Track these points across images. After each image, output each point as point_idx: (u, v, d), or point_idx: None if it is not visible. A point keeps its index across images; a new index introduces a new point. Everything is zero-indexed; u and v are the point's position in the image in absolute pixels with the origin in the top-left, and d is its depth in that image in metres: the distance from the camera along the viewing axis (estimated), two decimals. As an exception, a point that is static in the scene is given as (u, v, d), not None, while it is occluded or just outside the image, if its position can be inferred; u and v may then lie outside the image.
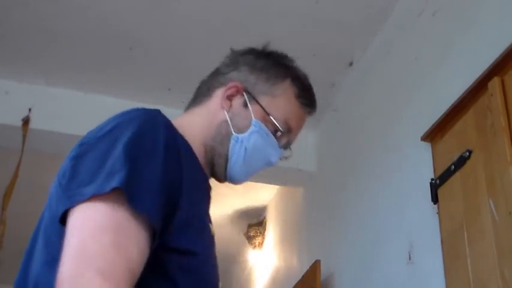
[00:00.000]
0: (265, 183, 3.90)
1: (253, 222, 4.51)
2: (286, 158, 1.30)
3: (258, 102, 1.20)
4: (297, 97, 1.25)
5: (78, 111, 3.28)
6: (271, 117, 1.20)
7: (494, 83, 1.85)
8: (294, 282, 3.27)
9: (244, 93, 1.21)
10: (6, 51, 3.12)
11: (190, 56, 3.09)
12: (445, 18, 2.36)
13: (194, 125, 1.19)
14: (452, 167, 2.00)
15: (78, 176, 0.93)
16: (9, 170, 3.06)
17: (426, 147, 2.23)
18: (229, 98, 1.21)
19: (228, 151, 1.18)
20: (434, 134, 2.18)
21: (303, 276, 3.13)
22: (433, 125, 2.17)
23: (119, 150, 0.92)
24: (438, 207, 2.08)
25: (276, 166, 1.29)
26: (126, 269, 0.85)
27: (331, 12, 2.83)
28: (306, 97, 1.28)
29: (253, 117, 1.19)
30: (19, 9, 2.87)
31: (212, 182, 1.21)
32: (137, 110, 1.03)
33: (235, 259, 4.90)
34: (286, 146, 1.27)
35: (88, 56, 3.13)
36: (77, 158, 0.96)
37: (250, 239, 4.48)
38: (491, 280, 1.71)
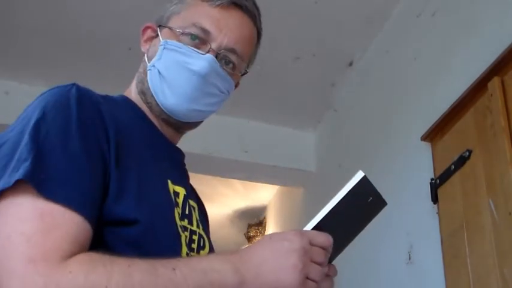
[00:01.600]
0: (265, 183, 3.90)
1: (253, 222, 4.51)
2: (231, 69, 1.15)
3: (165, 26, 1.13)
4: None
5: (78, 111, 3.28)
6: (176, 29, 1.11)
7: (494, 83, 1.85)
8: (293, 282, 3.27)
9: (157, 28, 1.16)
10: (6, 52, 3.12)
11: (190, 56, 3.09)
12: (445, 18, 2.36)
13: (131, 86, 1.19)
14: (452, 167, 2.00)
15: None
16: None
17: (426, 147, 2.23)
18: (146, 41, 1.19)
19: (148, 84, 1.13)
20: (434, 134, 2.18)
21: (302, 276, 3.13)
22: (433, 125, 2.17)
23: (25, 137, 0.87)
24: (438, 207, 2.08)
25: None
26: (59, 248, 0.80)
27: (331, 12, 2.83)
28: None
29: (161, 39, 1.13)
30: (19, 10, 2.87)
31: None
32: (50, 89, 0.98)
33: (235, 259, 4.89)
34: (221, 51, 1.11)
35: (88, 56, 3.13)
36: None
37: (250, 239, 4.48)
38: (491, 280, 1.71)
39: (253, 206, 4.50)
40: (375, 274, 2.53)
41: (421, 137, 2.24)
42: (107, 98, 1.06)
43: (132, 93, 1.16)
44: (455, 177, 1.98)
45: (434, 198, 2.10)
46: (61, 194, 0.84)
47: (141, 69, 1.17)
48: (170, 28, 1.13)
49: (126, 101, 1.14)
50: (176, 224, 0.99)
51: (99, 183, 0.89)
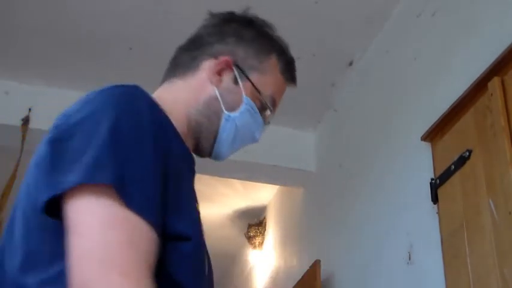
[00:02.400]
0: (265, 183, 3.90)
1: (253, 222, 4.51)
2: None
3: (248, 79, 1.14)
4: (282, 72, 1.20)
5: (78, 111, 3.28)
6: (262, 96, 1.15)
7: (494, 83, 1.85)
8: (294, 282, 3.27)
9: (234, 68, 1.14)
10: (6, 52, 3.12)
11: (190, 56, 3.10)
12: (445, 18, 2.36)
13: (178, 99, 1.12)
14: (452, 167, 2.00)
15: (61, 162, 0.86)
16: (10, 170, 3.06)
17: (426, 147, 2.23)
18: (219, 72, 1.14)
19: (218, 128, 1.13)
20: (434, 134, 2.18)
21: (303, 276, 3.13)
22: (433, 125, 2.17)
23: (103, 137, 0.85)
24: (438, 207, 2.08)
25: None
26: (143, 264, 0.81)
27: (331, 12, 2.83)
28: (290, 72, 1.23)
29: (244, 94, 1.13)
30: (19, 10, 2.87)
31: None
32: (115, 87, 0.98)
33: (235, 259, 4.90)
34: (268, 121, 1.21)
35: (88, 56, 3.14)
36: (56, 142, 0.89)
37: (250, 239, 4.48)
38: (491, 280, 1.71)
39: (253, 206, 4.50)
40: (375, 274, 2.53)
41: (421, 137, 2.25)
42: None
43: (181, 110, 1.11)
44: (455, 177, 1.98)
45: (435, 198, 2.10)
46: (142, 206, 0.84)
47: (212, 107, 1.13)
48: (254, 86, 1.15)
49: (166, 116, 1.07)
50: (204, 242, 1.00)
51: (163, 198, 0.89)
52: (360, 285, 2.68)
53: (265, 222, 4.43)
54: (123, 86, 0.98)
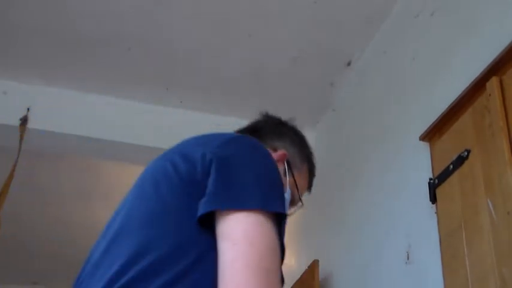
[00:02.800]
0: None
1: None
2: None
3: (292, 175, 1.37)
4: (309, 172, 1.49)
5: (76, 111, 3.28)
6: (299, 192, 1.38)
7: (493, 82, 1.85)
8: (292, 282, 3.27)
9: (285, 163, 1.36)
10: (4, 51, 3.12)
11: (188, 56, 3.10)
12: (443, 18, 2.36)
13: None
14: (451, 166, 2.00)
15: (230, 183, 1.01)
16: (7, 170, 3.06)
17: (424, 147, 2.24)
18: (279, 162, 1.33)
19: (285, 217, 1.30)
20: (432, 134, 2.19)
21: (301, 275, 3.13)
22: (431, 125, 2.17)
23: (272, 176, 1.07)
24: (436, 207, 2.08)
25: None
26: None
27: (330, 12, 2.83)
28: (314, 173, 1.53)
29: (288, 187, 1.34)
30: (18, 10, 2.87)
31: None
32: (252, 138, 1.20)
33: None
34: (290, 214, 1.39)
35: (86, 56, 3.13)
36: (222, 164, 1.04)
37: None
38: (489, 280, 1.71)
39: (252, 205, 4.50)
40: (374, 274, 2.53)
41: (419, 137, 2.25)
42: None
43: None
44: (454, 177, 1.98)
45: (433, 198, 2.10)
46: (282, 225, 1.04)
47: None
48: (295, 183, 1.39)
49: None
50: None
51: None
52: (358, 285, 2.68)
53: (264, 222, 4.43)
54: (262, 146, 1.19)
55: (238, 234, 0.95)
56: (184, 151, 1.10)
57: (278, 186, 1.07)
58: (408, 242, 2.29)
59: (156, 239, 0.97)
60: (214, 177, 1.01)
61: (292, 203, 1.40)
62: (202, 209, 0.98)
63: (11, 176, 3.02)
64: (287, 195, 1.32)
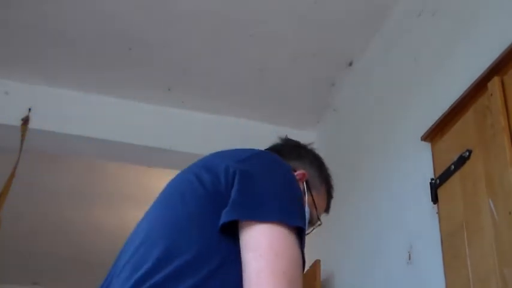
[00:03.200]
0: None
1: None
2: None
3: (311, 195, 1.42)
4: (327, 194, 1.51)
5: (78, 111, 3.28)
6: (318, 211, 1.44)
7: (494, 82, 1.85)
8: (293, 282, 3.27)
9: (304, 183, 1.40)
10: (6, 52, 3.12)
11: (189, 56, 3.10)
12: (445, 18, 2.36)
13: None
14: (452, 167, 2.00)
15: (252, 194, 1.06)
16: (9, 170, 3.07)
17: (426, 147, 2.23)
18: (300, 181, 1.38)
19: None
20: (434, 134, 2.18)
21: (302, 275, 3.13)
22: (433, 125, 2.17)
23: (294, 191, 1.12)
24: (438, 207, 2.08)
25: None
26: None
27: (331, 12, 2.83)
28: (332, 195, 1.54)
29: (307, 206, 1.38)
30: (19, 10, 2.87)
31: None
32: (273, 154, 1.26)
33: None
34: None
35: (88, 56, 3.14)
36: (245, 176, 1.08)
37: (250, 238, 4.48)
38: (491, 280, 1.71)
39: (253, 205, 4.50)
40: (375, 274, 2.53)
41: (421, 137, 2.24)
42: None
43: None
44: (455, 177, 1.98)
45: (434, 198, 2.10)
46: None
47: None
48: (314, 202, 1.44)
49: None
50: None
51: None
52: (360, 285, 2.68)
53: (265, 222, 4.43)
54: (282, 160, 1.25)
55: (264, 246, 1.00)
56: (208, 164, 1.16)
57: (299, 201, 1.12)
58: (410, 242, 2.29)
59: (180, 245, 1.02)
60: (238, 188, 1.06)
61: (311, 222, 1.45)
62: (224, 217, 1.03)
63: (11, 176, 3.02)
64: (306, 214, 1.37)
